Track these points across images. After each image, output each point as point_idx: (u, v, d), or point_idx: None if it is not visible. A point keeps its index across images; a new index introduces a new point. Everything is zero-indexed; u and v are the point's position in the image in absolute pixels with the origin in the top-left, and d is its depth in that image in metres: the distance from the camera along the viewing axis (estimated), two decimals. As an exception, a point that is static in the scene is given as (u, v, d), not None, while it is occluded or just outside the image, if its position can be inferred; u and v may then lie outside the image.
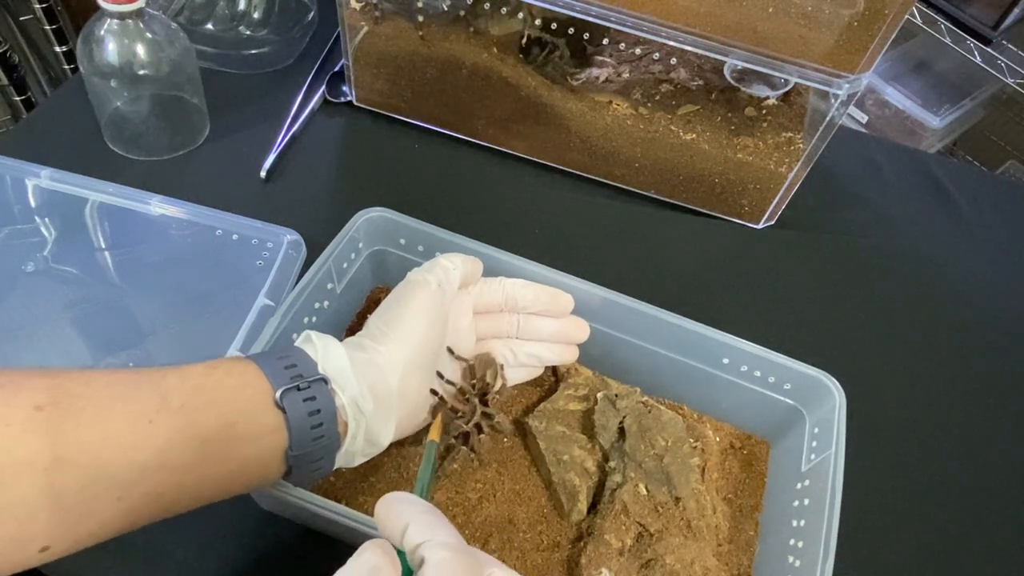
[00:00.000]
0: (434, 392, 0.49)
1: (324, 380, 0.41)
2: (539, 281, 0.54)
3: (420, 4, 0.67)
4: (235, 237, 0.63)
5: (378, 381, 0.43)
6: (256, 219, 0.64)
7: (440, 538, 0.31)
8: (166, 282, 0.61)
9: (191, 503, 0.37)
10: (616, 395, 0.54)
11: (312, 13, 0.81)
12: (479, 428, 0.50)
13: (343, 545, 0.49)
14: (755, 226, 0.75)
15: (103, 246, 0.62)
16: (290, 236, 0.63)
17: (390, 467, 0.52)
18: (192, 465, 0.36)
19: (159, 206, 0.63)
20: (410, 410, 0.47)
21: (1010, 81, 1.32)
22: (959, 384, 0.67)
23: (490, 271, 0.56)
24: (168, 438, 0.35)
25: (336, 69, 0.79)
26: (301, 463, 0.40)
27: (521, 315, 0.53)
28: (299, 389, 0.39)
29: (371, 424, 0.43)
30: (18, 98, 1.19)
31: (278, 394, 0.39)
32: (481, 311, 0.52)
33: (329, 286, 0.54)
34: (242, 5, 0.78)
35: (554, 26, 0.68)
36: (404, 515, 0.32)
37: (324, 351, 0.42)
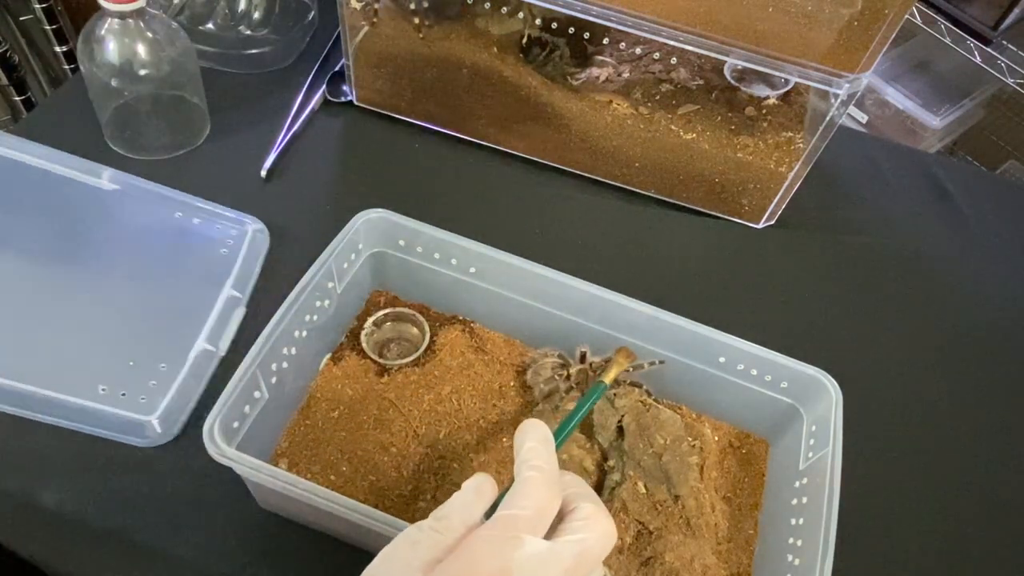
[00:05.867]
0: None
1: None
2: (539, 281, 0.54)
3: (413, 5, 0.67)
4: (196, 221, 0.62)
5: None
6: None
7: (535, 462, 0.34)
8: (130, 270, 0.60)
9: None
10: (615, 394, 0.54)
11: (312, 13, 0.82)
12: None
13: (343, 545, 0.49)
14: (755, 226, 0.75)
15: (62, 227, 0.61)
16: (254, 225, 0.63)
17: (390, 466, 0.52)
18: None
19: (110, 184, 0.62)
20: None
21: (1010, 81, 1.32)
22: (956, 382, 0.67)
23: (490, 271, 0.56)
24: None
25: (336, 69, 0.79)
26: None
27: None
28: None
29: None
30: (18, 98, 1.18)
31: None
32: None
33: (330, 285, 0.54)
34: (242, 5, 0.78)
35: (554, 26, 0.68)
36: (528, 437, 0.36)
37: None
